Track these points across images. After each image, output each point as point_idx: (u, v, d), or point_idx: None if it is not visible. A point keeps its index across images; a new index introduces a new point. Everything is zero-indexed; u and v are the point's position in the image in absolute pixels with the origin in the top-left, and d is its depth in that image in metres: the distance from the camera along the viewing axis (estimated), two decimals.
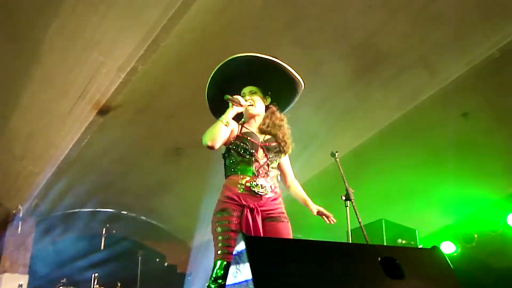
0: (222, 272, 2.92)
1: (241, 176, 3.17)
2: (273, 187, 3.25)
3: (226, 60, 3.37)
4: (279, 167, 3.49)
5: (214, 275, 2.96)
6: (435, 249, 1.96)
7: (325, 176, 7.69)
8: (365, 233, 3.61)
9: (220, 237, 3.02)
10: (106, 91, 5.81)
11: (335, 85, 6.56)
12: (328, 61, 6.21)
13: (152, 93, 6.38)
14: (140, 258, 7.53)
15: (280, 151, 3.39)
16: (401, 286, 1.77)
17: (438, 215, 8.69)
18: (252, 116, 3.44)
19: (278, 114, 3.48)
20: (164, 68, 5.85)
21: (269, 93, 3.49)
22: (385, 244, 6.10)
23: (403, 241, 6.43)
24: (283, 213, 3.24)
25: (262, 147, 3.28)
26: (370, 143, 7.32)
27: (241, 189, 3.13)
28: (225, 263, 2.93)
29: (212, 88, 3.44)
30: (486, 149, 7.32)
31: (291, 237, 3.19)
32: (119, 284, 7.01)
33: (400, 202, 8.11)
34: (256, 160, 3.23)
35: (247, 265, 1.64)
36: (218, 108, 3.46)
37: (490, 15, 5.53)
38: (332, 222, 3.36)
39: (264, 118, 3.45)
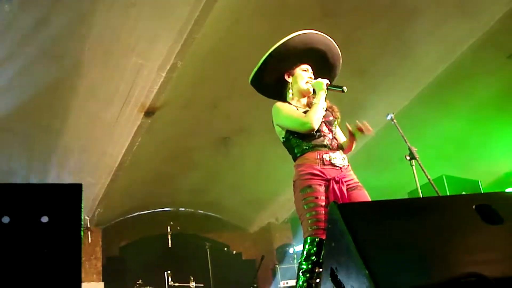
0: (315, 248, 2.91)
1: (318, 152, 3.18)
2: (346, 158, 3.26)
3: (295, 35, 3.35)
4: None
5: (306, 253, 2.94)
6: None
7: (376, 142, 7.64)
8: (436, 188, 3.57)
9: (308, 214, 3.00)
10: (149, 92, 5.90)
11: (373, 48, 6.46)
12: (362, 26, 6.12)
13: (194, 87, 6.44)
14: (208, 250, 7.66)
15: (335, 122, 3.40)
16: (501, 231, 1.74)
17: (497, 163, 8.49)
18: (306, 95, 3.44)
19: None
20: (202, 61, 5.89)
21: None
22: None
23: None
24: (358, 181, 3.25)
25: (324, 123, 3.28)
26: (417, 101, 7.19)
27: (322, 164, 3.13)
28: (317, 239, 2.92)
29: (271, 61, 3.40)
30: None
31: None
32: (192, 278, 7.15)
33: (457, 155, 7.98)
34: (324, 135, 3.25)
35: (345, 232, 1.65)
36: (266, 83, 3.49)
37: None
38: (370, 131, 3.25)
39: (311, 96, 3.44)
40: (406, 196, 6.93)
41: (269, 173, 8.52)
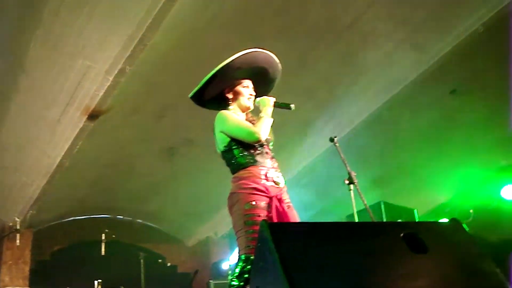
0: (249, 266, 2.83)
1: (262, 168, 3.14)
2: (283, 178, 3.25)
3: (240, 54, 3.32)
4: None
5: (239, 270, 2.87)
6: (454, 222, 1.97)
7: (321, 163, 7.74)
8: (371, 214, 3.64)
9: (247, 231, 2.93)
10: (95, 96, 5.74)
11: (323, 72, 6.57)
12: (317, 48, 6.23)
13: (142, 94, 6.34)
14: (142, 261, 7.49)
15: (272, 142, 3.40)
16: (425, 260, 1.77)
17: (434, 193, 8.77)
18: (244, 110, 3.42)
19: None
20: (152, 68, 5.81)
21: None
22: None
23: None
24: (290, 201, 3.25)
25: (265, 140, 3.26)
26: (362, 127, 7.36)
27: (265, 181, 3.10)
28: (251, 257, 2.82)
29: (214, 80, 3.38)
30: (476, 124, 7.39)
31: None
32: None
33: (395, 183, 8.18)
34: (267, 153, 3.24)
35: (273, 251, 1.63)
36: (206, 98, 3.45)
37: None
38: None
39: (249, 113, 3.46)
40: (344, 220, 7.03)
41: (211, 186, 8.43)
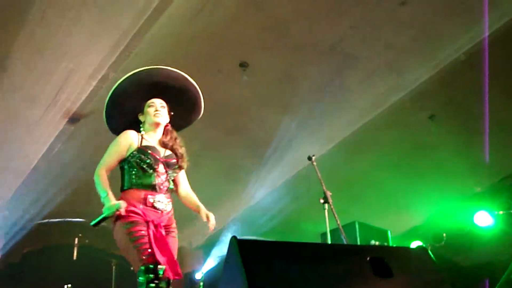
0: (151, 275, 2.91)
1: (143, 191, 3.16)
2: (170, 203, 3.29)
3: (142, 69, 3.39)
4: (173, 180, 3.48)
5: (145, 282, 2.92)
6: (421, 249, 2.02)
7: (299, 180, 7.78)
8: (344, 234, 3.68)
9: (136, 246, 3.00)
10: (76, 99, 5.74)
11: (306, 89, 6.63)
12: (299, 66, 6.29)
13: None
14: (114, 267, 7.40)
15: (178, 167, 3.41)
16: (389, 285, 1.81)
17: (408, 215, 8.85)
18: (156, 128, 3.43)
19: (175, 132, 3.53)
20: None
21: (172, 112, 3.53)
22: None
23: (376, 242, 6.52)
24: (175, 227, 3.32)
25: (163, 163, 3.28)
26: (341, 146, 7.41)
27: (144, 205, 3.12)
28: (150, 266, 2.93)
29: (121, 96, 3.41)
30: (452, 150, 7.50)
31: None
32: None
33: (371, 203, 8.23)
34: (158, 175, 3.23)
35: (241, 267, 1.65)
36: (117, 115, 3.50)
37: (456, 19, 5.67)
38: (211, 228, 3.36)
39: (165, 133, 3.47)
40: (318, 238, 7.05)
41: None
